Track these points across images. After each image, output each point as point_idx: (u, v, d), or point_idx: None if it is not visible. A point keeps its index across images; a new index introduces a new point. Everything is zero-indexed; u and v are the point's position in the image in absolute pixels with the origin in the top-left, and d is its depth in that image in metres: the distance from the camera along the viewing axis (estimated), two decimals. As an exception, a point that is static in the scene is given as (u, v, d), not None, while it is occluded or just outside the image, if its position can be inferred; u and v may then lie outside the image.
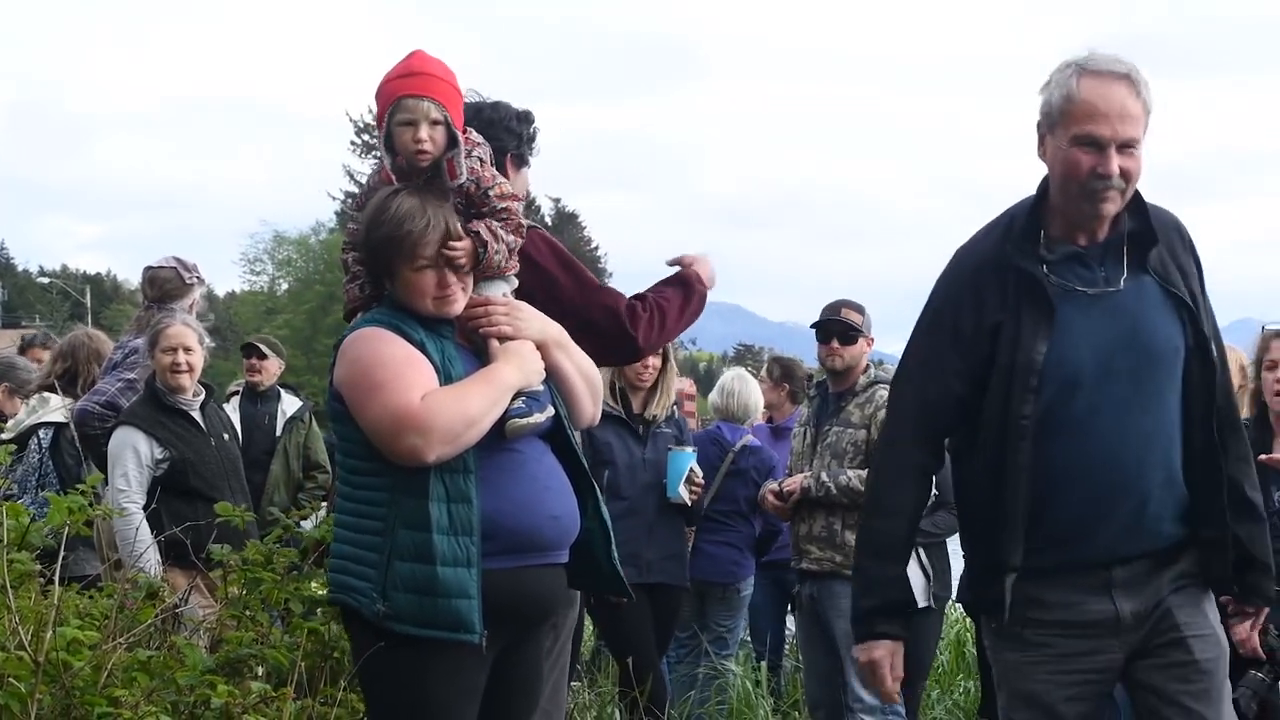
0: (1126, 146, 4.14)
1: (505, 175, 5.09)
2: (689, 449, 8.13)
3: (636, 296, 5.16)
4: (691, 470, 7.99)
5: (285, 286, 73.62)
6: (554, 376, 4.49)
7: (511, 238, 4.44)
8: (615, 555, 4.56)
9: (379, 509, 4.17)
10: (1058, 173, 4.24)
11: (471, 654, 4.16)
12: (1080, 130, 4.13)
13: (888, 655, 4.45)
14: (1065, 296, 4.26)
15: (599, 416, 4.77)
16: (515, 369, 4.31)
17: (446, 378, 4.22)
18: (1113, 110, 4.11)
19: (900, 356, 4.55)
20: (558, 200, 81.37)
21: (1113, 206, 4.20)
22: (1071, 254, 4.31)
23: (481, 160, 4.49)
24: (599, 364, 5.26)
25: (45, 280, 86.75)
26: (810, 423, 7.72)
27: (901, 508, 4.46)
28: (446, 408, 4.10)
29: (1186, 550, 4.35)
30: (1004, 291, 4.29)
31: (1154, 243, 4.29)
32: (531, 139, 5.34)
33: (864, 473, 7.25)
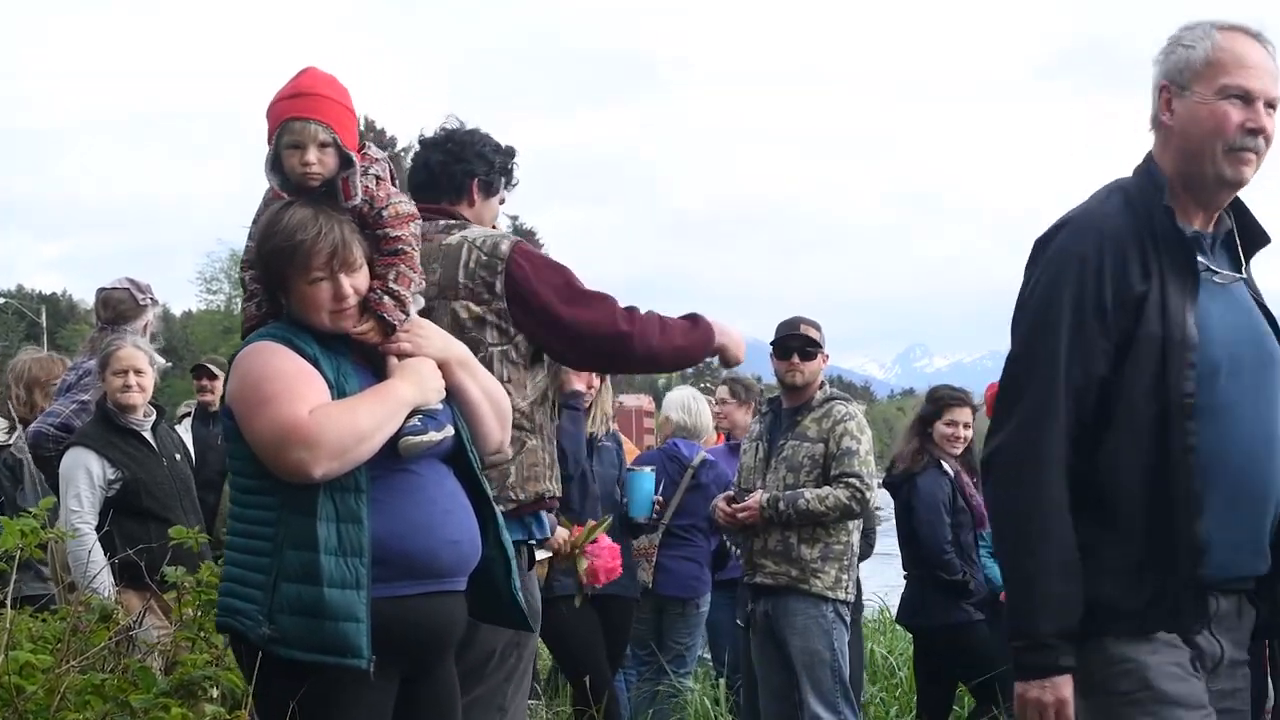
0: (1270, 106, 3.86)
1: (470, 199, 5.10)
2: (648, 469, 8.14)
3: (633, 306, 5.11)
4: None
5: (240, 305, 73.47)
6: (457, 397, 4.36)
7: (402, 287, 4.29)
8: (516, 584, 4.42)
9: (267, 528, 4.02)
10: (1196, 133, 3.88)
11: (373, 680, 4.00)
12: (1230, 81, 3.82)
13: (1069, 693, 3.80)
14: (1201, 276, 3.91)
15: (508, 443, 4.65)
16: (411, 385, 4.18)
17: (339, 393, 4.10)
18: (1262, 64, 3.86)
19: (1017, 352, 3.98)
20: (515, 217, 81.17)
21: (1250, 171, 3.87)
22: (1194, 235, 3.96)
23: (378, 178, 4.34)
24: (601, 367, 5.24)
25: (0, 300, 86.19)
26: (763, 438, 7.71)
27: (1065, 505, 3.81)
28: (335, 422, 3.96)
29: (1267, 590, 3.95)
30: (1145, 260, 3.86)
31: (1266, 241, 4.05)
32: (506, 171, 5.33)
33: (823, 491, 7.29)
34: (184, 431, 10.23)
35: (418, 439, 4.13)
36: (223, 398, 4.25)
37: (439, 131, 5.28)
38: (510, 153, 5.30)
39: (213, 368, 11.15)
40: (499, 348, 4.93)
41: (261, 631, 3.97)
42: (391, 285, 4.25)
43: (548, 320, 4.94)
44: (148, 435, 7.62)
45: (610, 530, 7.75)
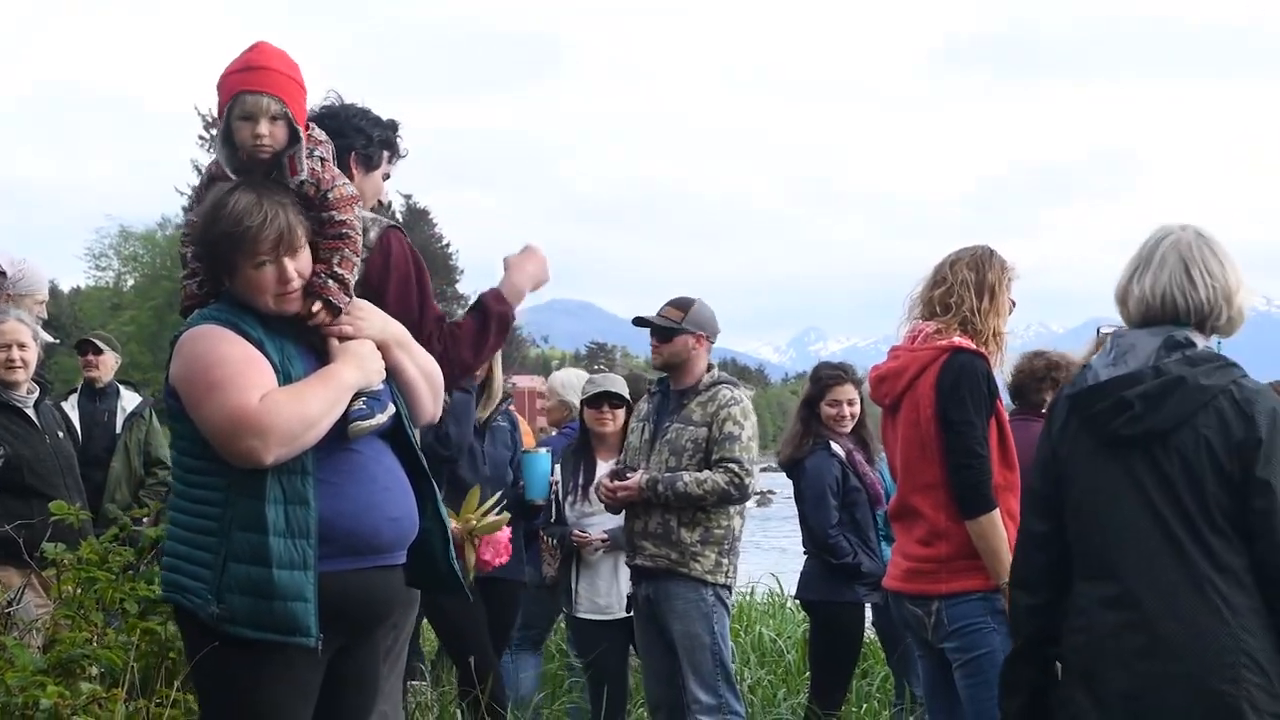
0: None
1: (350, 174, 5.04)
2: (544, 450, 8.11)
3: (446, 325, 5.10)
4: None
5: (131, 282, 72.55)
6: (395, 376, 4.44)
7: (346, 271, 4.35)
8: (453, 555, 4.52)
9: (214, 509, 4.09)
10: None
11: (306, 655, 4.10)
12: None
13: None
14: None
15: (439, 414, 4.72)
16: (355, 369, 4.25)
17: (286, 377, 4.14)
18: None
19: None
20: (409, 196, 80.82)
21: None
22: None
23: (323, 160, 4.42)
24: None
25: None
26: (649, 418, 7.69)
27: None
28: (285, 409, 4.02)
29: None
30: None
31: None
32: (388, 144, 5.28)
33: (702, 475, 7.29)
34: (70, 408, 10.11)
35: (366, 424, 4.23)
36: (166, 378, 4.26)
37: (317, 109, 5.22)
38: (392, 126, 5.26)
39: (98, 342, 10.98)
40: None
41: (211, 610, 4.04)
42: (336, 269, 4.32)
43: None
44: (30, 412, 7.52)
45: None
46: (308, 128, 4.42)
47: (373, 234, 4.91)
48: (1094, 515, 4.25)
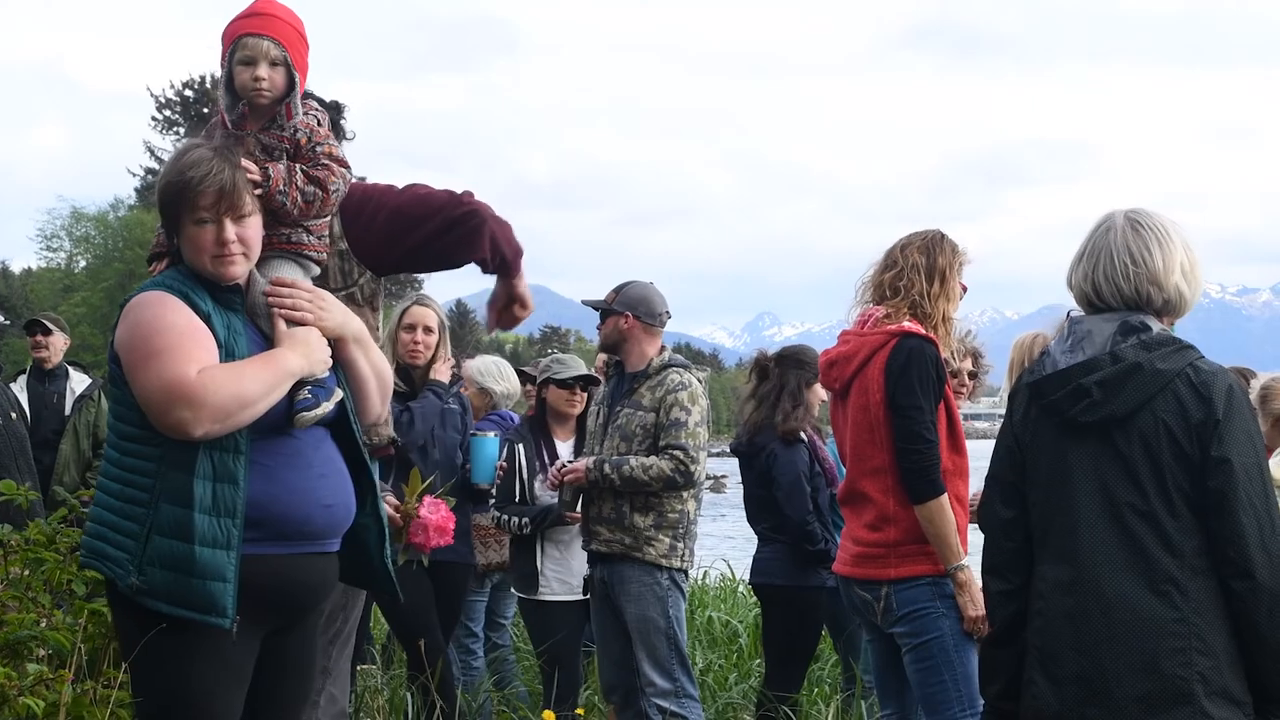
0: None
1: None
2: (492, 434, 8.08)
3: None
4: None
5: (84, 264, 72.20)
6: (347, 370, 4.44)
7: (310, 188, 4.40)
8: (389, 554, 4.51)
9: (145, 479, 4.06)
10: None
11: (234, 639, 4.07)
12: None
13: None
14: None
15: (385, 415, 4.77)
16: (300, 356, 4.22)
17: (229, 354, 4.11)
18: None
19: None
20: (363, 179, 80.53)
21: None
22: None
23: (319, 121, 4.52)
24: (453, 250, 5.15)
25: None
26: (605, 401, 7.69)
27: None
28: (222, 385, 3.99)
29: None
30: None
31: None
32: (335, 128, 5.26)
33: (648, 461, 7.26)
34: (19, 390, 10.07)
35: (311, 413, 4.20)
36: (111, 342, 4.24)
37: None
38: (336, 108, 5.24)
39: (47, 323, 10.94)
40: (343, 292, 4.91)
41: (131, 581, 4.01)
42: (296, 173, 4.40)
43: (391, 217, 4.96)
44: (-21, 393, 7.49)
45: (447, 495, 7.70)
46: (307, 98, 4.52)
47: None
48: (1054, 501, 4.28)
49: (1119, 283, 4.29)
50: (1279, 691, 4.08)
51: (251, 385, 4.05)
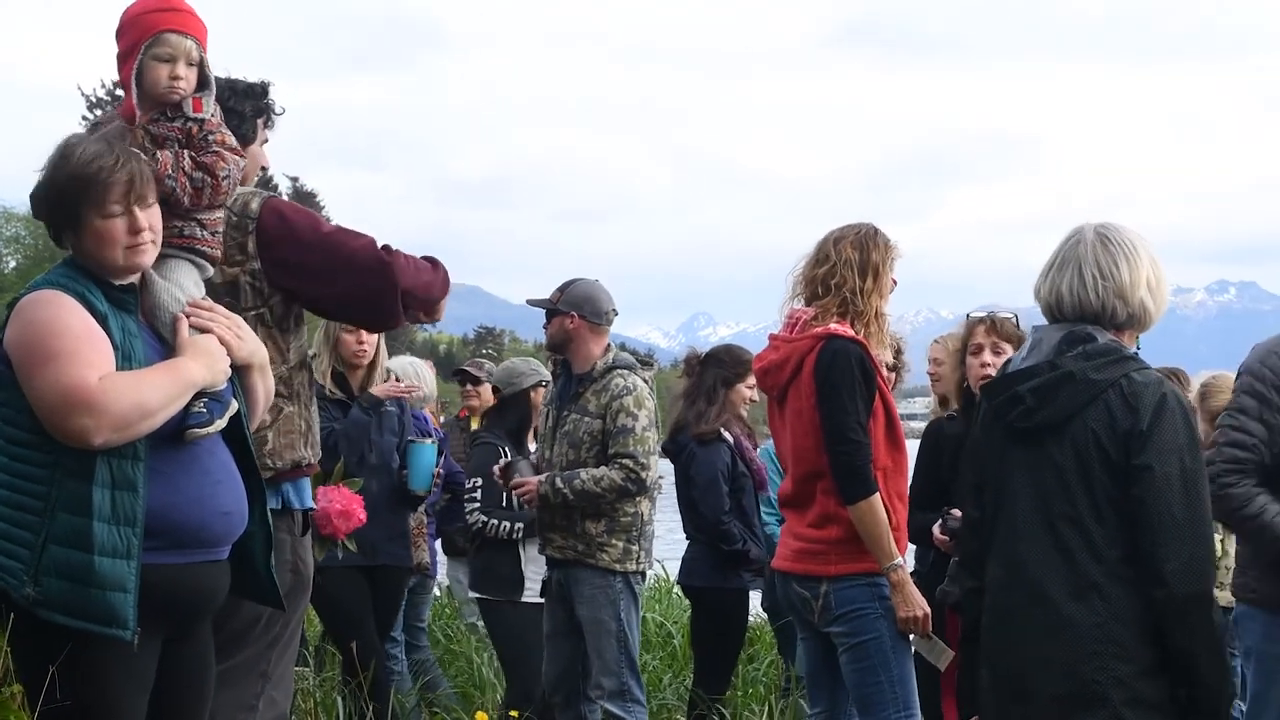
0: None
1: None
2: (430, 441, 7.99)
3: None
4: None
5: (14, 264, 71.57)
6: (246, 396, 4.37)
7: (199, 174, 4.32)
8: (273, 563, 4.43)
9: (38, 486, 3.93)
10: None
11: (138, 645, 3.97)
12: None
13: None
14: None
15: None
16: (203, 367, 4.13)
17: (125, 357, 4.01)
18: None
19: None
20: (295, 179, 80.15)
21: None
22: None
23: (211, 111, 4.46)
24: (366, 311, 5.06)
25: None
26: (553, 403, 7.63)
27: None
28: (123, 394, 3.89)
29: None
30: None
31: None
32: (261, 111, 5.13)
33: (598, 472, 7.22)
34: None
35: (203, 430, 4.11)
36: None
37: None
38: (262, 90, 5.08)
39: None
40: (254, 311, 4.78)
41: (25, 592, 3.88)
42: (184, 160, 4.33)
43: (301, 266, 4.79)
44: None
45: (378, 498, 7.65)
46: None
47: (254, 205, 4.80)
48: (998, 502, 4.38)
49: (1084, 295, 4.34)
50: (1202, 703, 4.15)
51: (153, 394, 3.95)
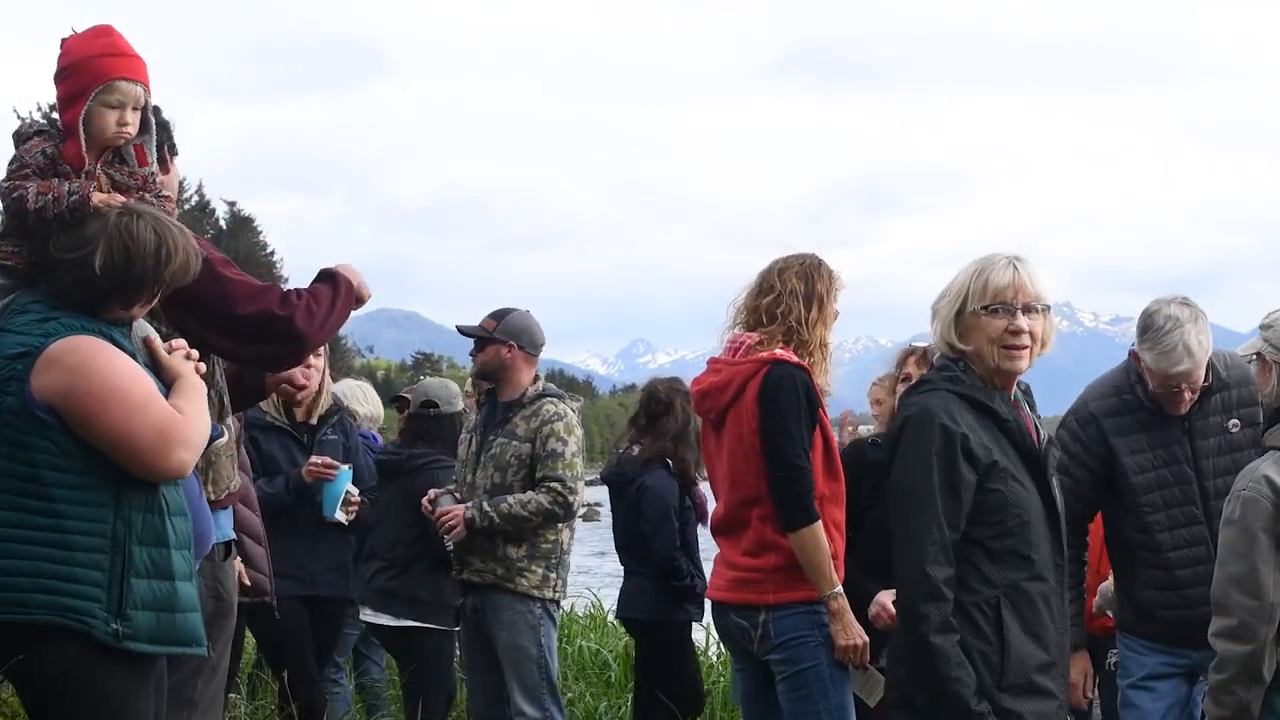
0: None
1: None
2: (344, 466, 7.84)
3: (290, 289, 4.97)
4: (348, 492, 7.81)
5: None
6: None
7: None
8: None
9: (99, 524, 4.02)
10: None
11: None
12: None
13: None
14: None
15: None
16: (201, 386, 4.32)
17: None
18: None
19: None
20: (233, 204, 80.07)
21: None
22: None
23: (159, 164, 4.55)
24: (271, 366, 5.07)
25: None
26: (477, 429, 7.58)
27: None
28: (198, 424, 4.12)
29: None
30: None
31: None
32: (172, 145, 5.09)
33: (525, 496, 7.21)
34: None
35: (220, 440, 4.50)
36: (26, 391, 4.06)
37: None
38: (165, 127, 5.00)
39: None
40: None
41: (111, 629, 3.99)
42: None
43: (203, 315, 4.75)
44: None
45: (318, 529, 7.71)
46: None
47: None
48: None
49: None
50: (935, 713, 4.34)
51: (205, 419, 4.19)
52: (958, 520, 4.31)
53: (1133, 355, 5.89)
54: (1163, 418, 5.85)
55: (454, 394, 8.66)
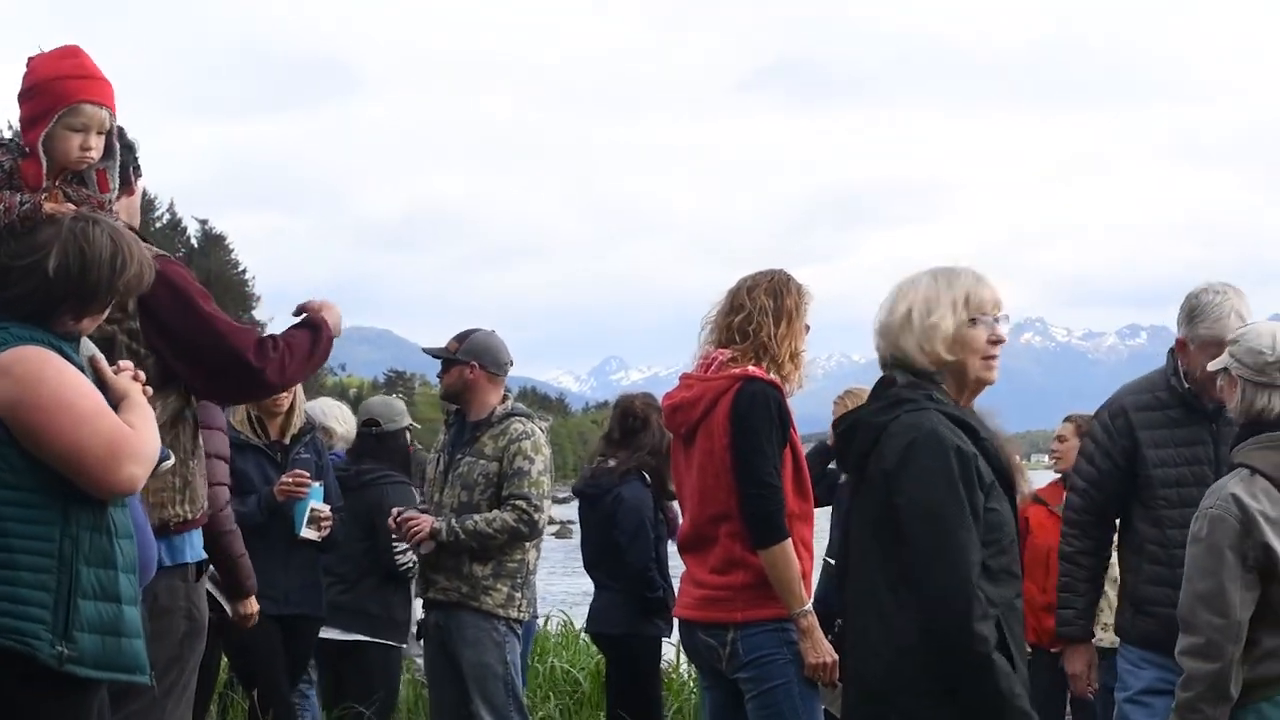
0: None
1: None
2: (315, 483, 7.84)
3: (269, 336, 4.99)
4: (313, 509, 7.78)
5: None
6: None
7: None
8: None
9: (46, 543, 3.85)
10: None
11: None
12: None
13: None
14: None
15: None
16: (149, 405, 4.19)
17: None
18: None
19: None
20: (205, 221, 80.00)
21: None
22: None
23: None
24: (231, 400, 5.08)
25: None
26: (445, 449, 7.59)
27: None
28: (148, 438, 3.98)
29: None
30: None
31: None
32: (137, 166, 5.07)
33: (491, 515, 7.21)
34: None
35: (166, 463, 4.27)
36: None
37: None
38: (130, 148, 4.99)
39: None
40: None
41: (56, 650, 3.83)
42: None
43: (179, 348, 4.76)
44: None
45: (290, 549, 7.70)
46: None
47: None
48: (850, 541, 4.53)
49: (876, 340, 4.51)
50: None
51: (155, 435, 4.05)
52: (979, 542, 4.27)
53: (1175, 348, 5.98)
54: (1193, 418, 5.93)
55: (397, 412, 8.77)
